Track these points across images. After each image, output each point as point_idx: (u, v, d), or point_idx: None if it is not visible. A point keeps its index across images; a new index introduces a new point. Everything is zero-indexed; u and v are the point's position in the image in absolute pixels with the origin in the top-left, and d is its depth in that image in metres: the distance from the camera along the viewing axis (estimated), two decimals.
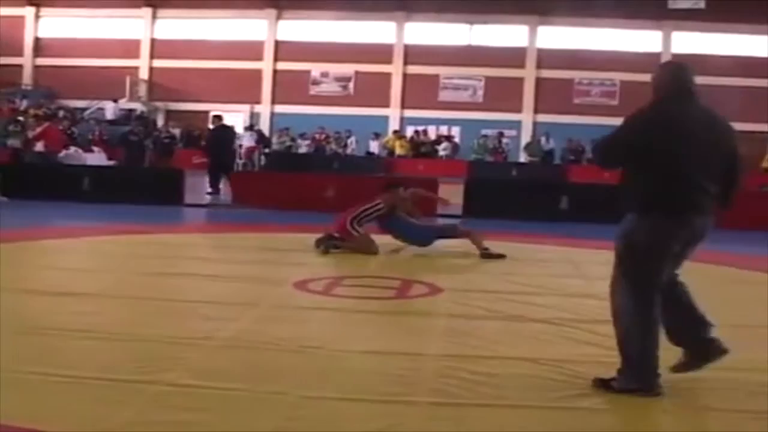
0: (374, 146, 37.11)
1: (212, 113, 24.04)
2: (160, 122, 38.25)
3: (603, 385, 5.14)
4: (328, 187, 17.56)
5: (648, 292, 5.07)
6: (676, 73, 5.24)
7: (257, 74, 40.85)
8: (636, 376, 5.06)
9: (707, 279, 8.23)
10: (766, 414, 4.79)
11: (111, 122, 35.81)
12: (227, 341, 6.01)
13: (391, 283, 8.90)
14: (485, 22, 39.81)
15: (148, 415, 4.45)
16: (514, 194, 17.96)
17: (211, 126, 22.00)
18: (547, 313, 7.21)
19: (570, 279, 9.30)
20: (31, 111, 32.63)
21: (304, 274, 9.07)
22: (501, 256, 10.78)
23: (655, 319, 5.09)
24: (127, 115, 37.32)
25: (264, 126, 39.27)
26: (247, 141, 32.83)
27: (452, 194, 17.79)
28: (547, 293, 8.35)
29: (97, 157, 25.67)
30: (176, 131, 35.41)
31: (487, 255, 10.82)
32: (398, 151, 35.70)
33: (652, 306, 5.07)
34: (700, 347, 5.24)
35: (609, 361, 5.29)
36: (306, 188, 17.87)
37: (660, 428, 4.81)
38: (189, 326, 6.45)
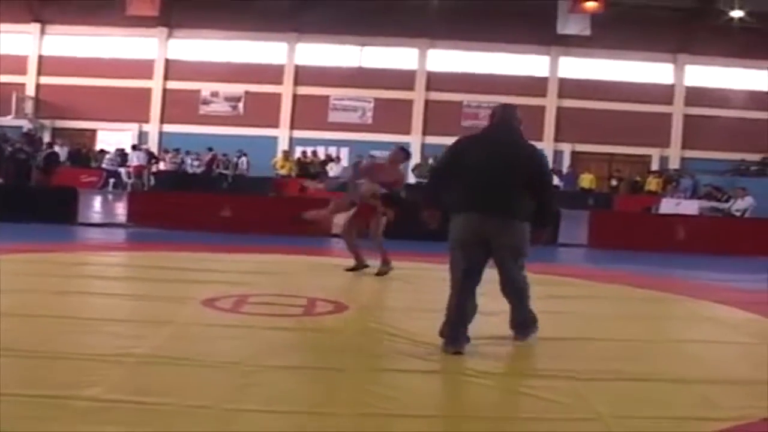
0: None
1: None
2: (46, 140, 37.33)
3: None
4: (224, 207, 17.58)
5: (454, 274, 6.77)
6: (497, 112, 7.08)
7: (146, 93, 40.30)
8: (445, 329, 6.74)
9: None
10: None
11: None
12: (145, 358, 6.05)
13: (297, 301, 8.97)
14: (376, 45, 40.21)
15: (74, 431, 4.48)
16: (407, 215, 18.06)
17: None
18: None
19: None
20: None
21: (210, 292, 9.07)
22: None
23: (457, 294, 6.71)
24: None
25: (152, 145, 38.64)
26: (135, 160, 32.56)
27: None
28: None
29: None
30: (64, 149, 34.65)
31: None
32: (284, 171, 35.32)
33: (457, 284, 6.73)
34: None
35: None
36: (201, 208, 17.80)
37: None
38: (102, 343, 6.42)
